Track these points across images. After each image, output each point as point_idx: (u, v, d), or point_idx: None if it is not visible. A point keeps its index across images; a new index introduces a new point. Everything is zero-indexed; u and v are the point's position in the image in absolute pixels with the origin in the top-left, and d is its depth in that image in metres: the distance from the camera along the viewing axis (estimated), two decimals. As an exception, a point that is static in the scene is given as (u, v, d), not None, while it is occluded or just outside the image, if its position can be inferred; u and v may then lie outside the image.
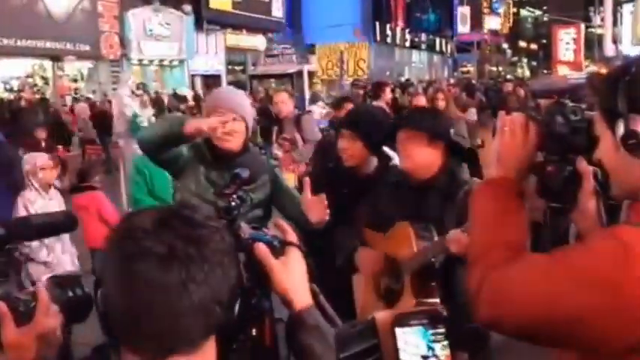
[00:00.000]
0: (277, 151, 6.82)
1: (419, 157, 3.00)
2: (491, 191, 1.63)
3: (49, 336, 1.42)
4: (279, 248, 1.37)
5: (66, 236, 4.91)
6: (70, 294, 1.47)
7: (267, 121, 10.63)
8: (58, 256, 4.87)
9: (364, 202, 3.26)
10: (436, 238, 2.82)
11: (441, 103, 8.24)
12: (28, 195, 4.95)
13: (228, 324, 1.19)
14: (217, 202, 2.32)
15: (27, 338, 1.39)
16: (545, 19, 51.69)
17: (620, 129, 1.41)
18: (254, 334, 1.33)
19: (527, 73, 61.83)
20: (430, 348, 1.13)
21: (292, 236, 1.41)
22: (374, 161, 3.50)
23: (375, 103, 9.18)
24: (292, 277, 1.36)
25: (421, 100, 8.54)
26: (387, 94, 9.79)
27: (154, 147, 3.16)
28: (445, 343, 1.14)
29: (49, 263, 4.81)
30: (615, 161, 1.47)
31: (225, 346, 1.22)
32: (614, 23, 30.36)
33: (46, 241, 4.75)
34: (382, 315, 1.19)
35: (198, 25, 26.86)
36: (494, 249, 1.52)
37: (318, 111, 10.29)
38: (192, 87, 25.25)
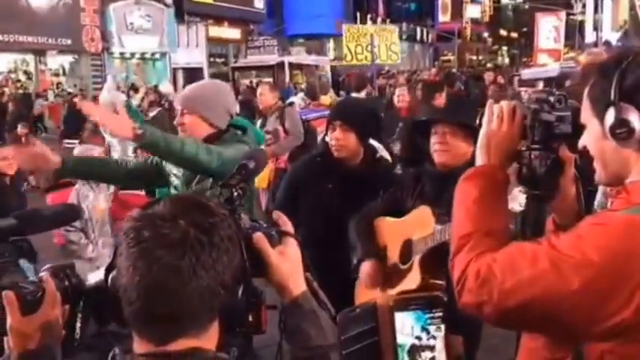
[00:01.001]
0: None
1: (457, 150, 3.00)
2: (476, 180, 1.65)
3: (53, 326, 1.45)
4: (276, 238, 1.42)
5: (108, 231, 5.05)
6: (67, 283, 1.50)
7: (249, 114, 10.66)
8: (100, 250, 4.96)
9: (384, 195, 3.23)
10: None
11: (419, 92, 8.32)
12: (82, 190, 5.03)
13: (231, 307, 1.28)
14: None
15: (31, 327, 1.42)
16: (526, 6, 51.67)
17: (610, 118, 1.44)
18: (250, 319, 1.37)
19: (507, 61, 62.03)
20: (425, 330, 1.18)
21: (289, 227, 1.47)
22: (361, 153, 3.51)
23: (355, 94, 9.25)
24: (289, 264, 1.41)
25: (404, 91, 8.57)
26: (369, 86, 9.88)
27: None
28: (441, 325, 1.19)
29: (94, 259, 4.90)
30: (602, 149, 1.50)
31: (225, 332, 1.29)
32: (595, 10, 30.41)
33: (92, 236, 4.92)
34: (383, 300, 1.23)
35: (180, 17, 26.72)
36: (477, 237, 1.54)
37: (298, 102, 10.29)
38: (174, 80, 25.12)
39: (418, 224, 2.91)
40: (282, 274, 1.40)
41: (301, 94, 12.62)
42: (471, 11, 56.39)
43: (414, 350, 1.16)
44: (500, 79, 14.08)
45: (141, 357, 1.22)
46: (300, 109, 9.15)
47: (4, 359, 1.47)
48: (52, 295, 1.46)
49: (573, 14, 38.61)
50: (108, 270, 1.29)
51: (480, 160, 1.69)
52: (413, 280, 2.78)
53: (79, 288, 1.51)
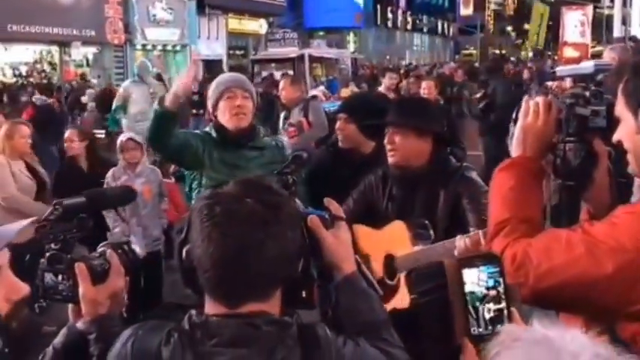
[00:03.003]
0: (283, 138, 6.90)
1: (408, 150, 2.96)
2: (512, 169, 1.73)
3: (119, 295, 1.61)
4: (329, 221, 1.53)
5: (139, 211, 5.35)
6: (125, 257, 1.64)
7: (269, 106, 10.71)
8: (132, 227, 5.34)
9: (353, 193, 3.24)
10: (432, 235, 2.80)
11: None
12: (115, 169, 5.51)
13: (291, 280, 1.39)
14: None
15: (102, 295, 1.58)
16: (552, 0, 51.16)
17: None
18: (304, 295, 1.47)
19: (531, 55, 61.39)
20: (497, 282, 1.30)
21: (340, 211, 1.58)
22: (371, 144, 3.60)
23: (381, 88, 9.28)
24: (341, 246, 1.52)
25: (430, 85, 8.57)
26: (389, 80, 9.88)
27: (155, 139, 3.23)
28: (501, 279, 1.31)
29: (121, 233, 5.26)
30: (636, 142, 1.58)
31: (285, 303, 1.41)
32: (624, 4, 30.01)
33: (122, 214, 5.28)
34: (449, 261, 1.36)
35: (201, 9, 26.82)
36: (514, 223, 1.63)
37: (320, 95, 10.36)
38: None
39: (396, 239, 2.89)
40: (336, 254, 1.50)
41: (322, 87, 12.71)
42: (494, 4, 55.85)
43: (486, 300, 1.28)
44: (527, 73, 13.87)
45: (214, 317, 1.35)
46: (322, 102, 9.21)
47: (69, 327, 1.61)
48: (117, 267, 1.61)
49: (600, 8, 38.13)
50: (182, 244, 1.42)
51: (515, 152, 1.77)
52: (402, 299, 2.81)
53: (136, 262, 1.65)
